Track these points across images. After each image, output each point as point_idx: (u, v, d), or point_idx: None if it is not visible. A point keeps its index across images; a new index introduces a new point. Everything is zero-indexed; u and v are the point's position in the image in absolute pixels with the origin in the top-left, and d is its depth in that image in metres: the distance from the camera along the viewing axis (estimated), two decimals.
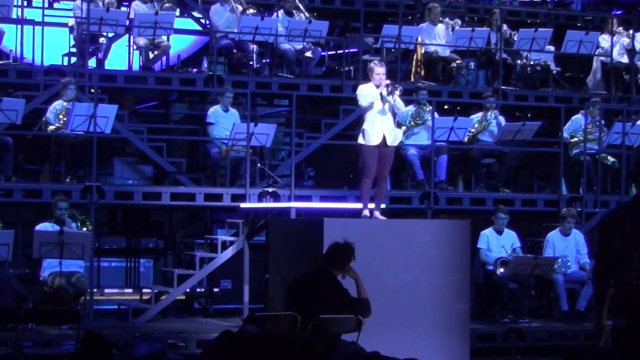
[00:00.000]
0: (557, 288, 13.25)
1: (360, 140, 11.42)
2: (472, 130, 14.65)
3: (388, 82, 11.35)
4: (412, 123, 14.31)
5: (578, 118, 15.00)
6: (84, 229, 12.15)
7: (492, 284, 13.24)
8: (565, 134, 14.86)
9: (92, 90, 13.45)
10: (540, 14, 17.93)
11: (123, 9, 15.20)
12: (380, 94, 11.27)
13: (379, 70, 11.40)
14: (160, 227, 16.15)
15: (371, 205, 11.68)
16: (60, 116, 13.08)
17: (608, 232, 6.14)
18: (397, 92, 11.34)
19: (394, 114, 11.64)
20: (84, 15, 14.16)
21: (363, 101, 11.32)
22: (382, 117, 11.32)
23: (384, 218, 11.71)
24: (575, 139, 14.84)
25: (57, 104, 13.17)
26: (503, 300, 13.13)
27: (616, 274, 6.12)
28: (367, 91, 11.33)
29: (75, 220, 12.20)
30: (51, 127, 13.08)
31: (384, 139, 11.32)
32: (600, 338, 6.32)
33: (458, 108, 15.86)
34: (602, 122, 14.90)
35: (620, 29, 16.75)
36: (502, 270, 13.01)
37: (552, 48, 16.33)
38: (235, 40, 14.95)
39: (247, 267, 12.99)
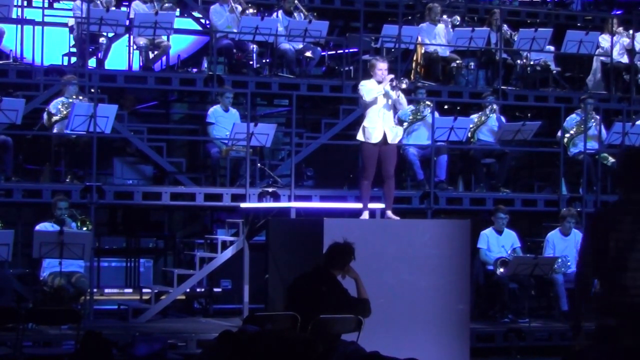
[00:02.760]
0: (557, 288, 13.25)
1: (360, 138, 11.37)
2: (472, 125, 14.66)
3: (392, 76, 11.31)
4: (412, 118, 14.35)
5: (572, 117, 15.01)
6: (84, 228, 12.15)
7: (492, 284, 13.24)
8: (559, 134, 14.88)
9: (92, 90, 13.45)
10: (540, 14, 17.92)
11: (123, 9, 15.20)
12: (384, 89, 11.23)
13: (381, 65, 11.33)
14: (160, 227, 16.15)
15: (378, 206, 11.69)
16: (62, 109, 13.07)
17: (601, 231, 6.10)
18: (404, 85, 11.28)
19: (395, 111, 11.61)
20: (84, 15, 14.15)
21: (367, 96, 11.22)
22: (383, 115, 11.27)
23: (397, 218, 11.70)
24: (568, 135, 14.81)
25: (59, 100, 13.18)
26: (503, 300, 13.12)
27: (608, 273, 6.11)
28: (370, 87, 11.27)
29: (75, 220, 12.20)
30: (55, 118, 13.07)
31: (385, 136, 11.29)
32: (576, 338, 6.31)
33: (458, 108, 15.86)
34: (598, 117, 14.89)
35: (621, 29, 16.75)
36: (502, 270, 13.01)
37: (552, 48, 16.33)
38: (235, 40, 14.95)
39: (247, 267, 12.98)
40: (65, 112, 13.01)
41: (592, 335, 6.31)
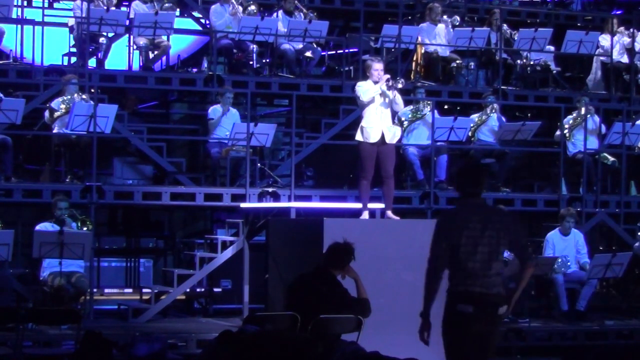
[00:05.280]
0: (557, 288, 13.23)
1: (359, 138, 11.37)
2: (472, 125, 14.66)
3: (388, 76, 11.32)
4: (412, 117, 14.36)
5: (569, 117, 15.01)
6: (84, 228, 12.14)
7: None
8: (558, 133, 14.89)
9: (92, 90, 13.45)
10: (540, 14, 17.94)
11: (123, 9, 15.21)
12: (381, 89, 11.24)
13: (377, 66, 11.35)
14: (160, 227, 16.15)
15: (378, 206, 11.68)
16: (62, 106, 13.08)
17: (453, 228, 7.13)
18: (400, 85, 11.31)
19: (393, 112, 11.61)
20: (84, 15, 14.16)
21: (364, 97, 11.24)
22: (381, 115, 11.28)
23: (397, 218, 11.69)
24: (566, 131, 14.81)
25: (60, 99, 13.18)
26: None
27: (460, 265, 7.07)
28: (367, 87, 11.29)
29: (75, 220, 12.20)
30: (57, 114, 13.07)
31: (383, 136, 11.30)
32: (424, 324, 7.39)
33: (458, 108, 15.87)
34: (598, 117, 14.89)
35: (622, 28, 16.75)
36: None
37: (552, 48, 16.33)
38: (235, 40, 14.96)
39: (247, 267, 12.99)
40: (66, 108, 13.02)
41: (445, 322, 7.26)
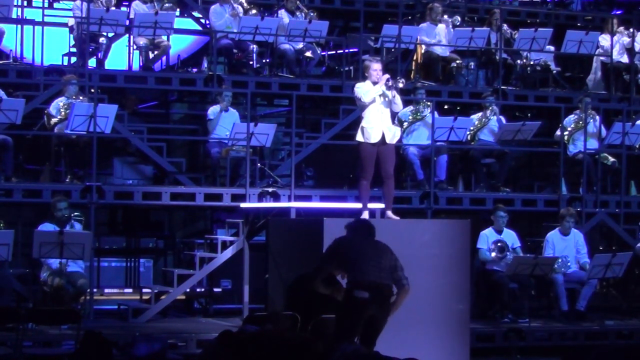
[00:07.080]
0: (557, 288, 13.24)
1: (359, 138, 11.36)
2: (472, 128, 14.66)
3: (387, 76, 11.30)
4: (412, 118, 14.35)
5: (570, 117, 15.02)
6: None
7: (492, 284, 13.23)
8: (558, 132, 14.89)
9: (92, 90, 13.45)
10: (540, 14, 17.93)
11: (123, 9, 15.20)
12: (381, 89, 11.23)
13: (375, 66, 11.33)
14: (160, 227, 16.15)
15: (378, 206, 11.68)
16: (62, 111, 13.08)
17: (346, 249, 8.88)
18: (400, 84, 11.31)
19: (392, 112, 11.60)
20: (84, 15, 14.16)
21: (365, 97, 11.21)
22: (381, 115, 11.27)
23: (397, 218, 11.68)
24: (567, 133, 14.81)
25: (60, 100, 13.19)
26: (503, 300, 13.12)
27: (354, 272, 8.73)
28: (367, 88, 11.28)
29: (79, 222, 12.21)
30: (54, 120, 13.08)
31: (383, 136, 11.29)
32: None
33: (458, 108, 15.86)
34: (598, 117, 14.89)
35: (622, 28, 16.75)
36: (496, 254, 13.03)
37: (552, 48, 16.33)
38: (235, 40, 14.95)
39: (247, 267, 12.99)
40: (65, 114, 13.01)
41: (342, 305, 8.61)
